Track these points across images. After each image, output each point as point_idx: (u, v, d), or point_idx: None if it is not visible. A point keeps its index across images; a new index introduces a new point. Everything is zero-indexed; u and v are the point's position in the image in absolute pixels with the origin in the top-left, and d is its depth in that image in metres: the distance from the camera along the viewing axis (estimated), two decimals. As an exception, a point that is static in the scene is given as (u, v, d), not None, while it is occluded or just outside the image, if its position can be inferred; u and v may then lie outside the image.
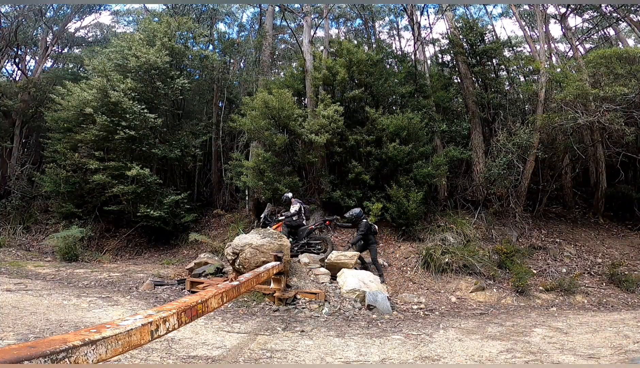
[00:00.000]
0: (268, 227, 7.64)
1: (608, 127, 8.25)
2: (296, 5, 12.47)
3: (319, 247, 7.49)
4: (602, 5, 10.63)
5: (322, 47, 11.37)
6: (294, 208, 7.67)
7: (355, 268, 6.40)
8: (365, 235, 6.80)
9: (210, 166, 12.36)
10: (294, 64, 13.52)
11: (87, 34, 17.44)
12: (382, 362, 3.43)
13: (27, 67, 14.86)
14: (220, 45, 14.21)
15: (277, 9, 12.93)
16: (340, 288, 5.85)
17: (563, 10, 10.88)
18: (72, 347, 1.30)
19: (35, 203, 11.45)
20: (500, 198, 9.24)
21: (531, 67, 11.31)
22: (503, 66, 12.19)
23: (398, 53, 13.79)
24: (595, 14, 11.34)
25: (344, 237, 8.61)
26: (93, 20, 16.84)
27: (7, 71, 14.89)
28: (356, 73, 9.64)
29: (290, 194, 8.17)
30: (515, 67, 12.28)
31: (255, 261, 5.46)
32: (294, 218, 7.65)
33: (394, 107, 10.56)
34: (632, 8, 9.78)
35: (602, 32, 13.27)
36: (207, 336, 3.89)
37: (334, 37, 12.30)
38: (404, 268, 7.36)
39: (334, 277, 6.29)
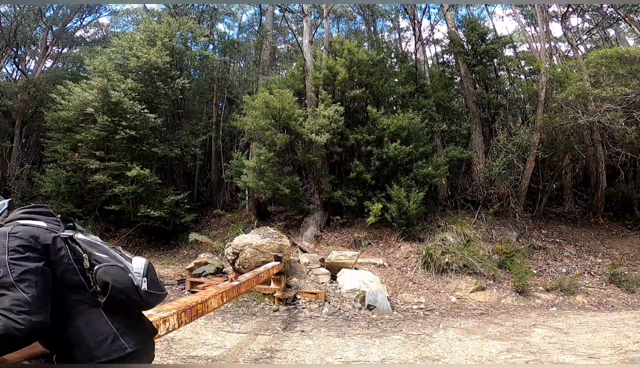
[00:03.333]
0: None
1: (608, 127, 8.25)
2: (296, 6, 12.46)
3: None
4: (603, 5, 10.62)
5: (322, 47, 11.37)
6: None
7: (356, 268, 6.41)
8: None
9: (210, 166, 12.35)
10: (295, 64, 13.52)
11: (86, 33, 17.48)
12: (382, 362, 3.43)
13: (27, 67, 14.87)
14: (221, 45, 14.21)
15: (277, 10, 12.94)
16: (340, 288, 5.85)
17: (564, 10, 10.87)
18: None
19: (35, 203, 11.43)
20: (500, 198, 9.23)
21: (532, 67, 11.31)
22: (504, 66, 12.17)
23: (399, 53, 13.78)
24: (593, 11, 11.32)
25: (344, 237, 8.60)
26: (92, 20, 16.87)
27: (7, 71, 14.90)
28: (357, 73, 9.63)
29: None
30: (516, 67, 12.28)
31: (255, 261, 5.46)
32: None
33: (394, 107, 10.56)
34: (633, 8, 9.75)
35: (603, 32, 13.25)
36: (207, 336, 3.89)
37: (334, 37, 12.29)
38: (404, 268, 7.36)
39: (334, 277, 6.29)
